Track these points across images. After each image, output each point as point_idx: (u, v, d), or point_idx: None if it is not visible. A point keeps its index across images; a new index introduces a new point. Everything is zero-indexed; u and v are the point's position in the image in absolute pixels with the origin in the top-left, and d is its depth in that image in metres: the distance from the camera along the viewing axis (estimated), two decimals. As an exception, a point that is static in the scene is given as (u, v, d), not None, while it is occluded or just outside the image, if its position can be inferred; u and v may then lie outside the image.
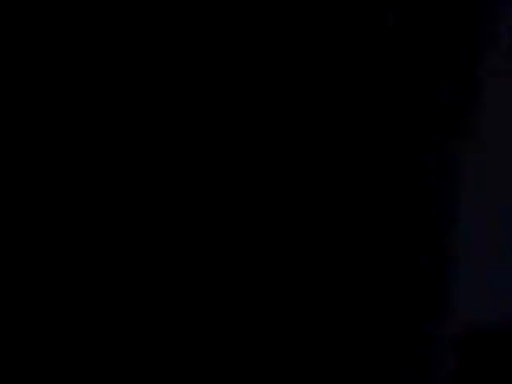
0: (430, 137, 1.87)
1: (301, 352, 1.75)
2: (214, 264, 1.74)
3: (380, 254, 1.82)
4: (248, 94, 1.69)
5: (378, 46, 1.78)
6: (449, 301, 1.83)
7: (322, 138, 1.79)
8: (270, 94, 1.72)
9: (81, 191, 1.71)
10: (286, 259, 1.76)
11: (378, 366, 1.82)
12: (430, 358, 1.92)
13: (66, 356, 1.68)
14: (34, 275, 1.72)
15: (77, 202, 1.71)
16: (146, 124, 1.70)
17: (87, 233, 1.71)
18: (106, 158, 1.71)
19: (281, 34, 1.72)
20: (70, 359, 1.68)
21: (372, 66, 1.79)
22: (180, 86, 1.68)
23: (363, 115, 1.77)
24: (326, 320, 1.77)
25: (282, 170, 1.77)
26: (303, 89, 1.77)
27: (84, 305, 1.71)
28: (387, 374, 1.87)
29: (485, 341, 2.10)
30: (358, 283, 1.80)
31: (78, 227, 1.71)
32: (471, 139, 1.90)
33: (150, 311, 1.73)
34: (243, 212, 1.68)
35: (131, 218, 1.72)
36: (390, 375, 1.88)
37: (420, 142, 1.86)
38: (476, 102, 1.85)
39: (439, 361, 1.96)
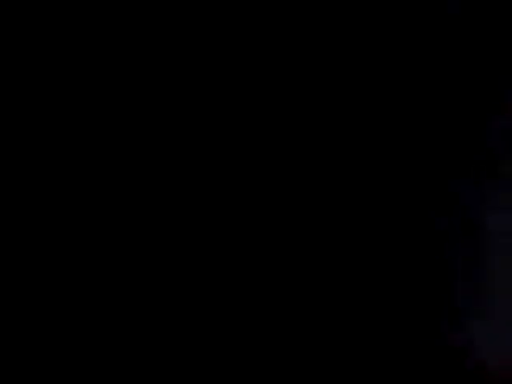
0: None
1: (304, 350, 1.73)
2: (216, 264, 1.74)
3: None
4: (254, 95, 1.66)
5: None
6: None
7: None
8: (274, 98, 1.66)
9: (81, 192, 1.72)
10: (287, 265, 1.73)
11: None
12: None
13: (66, 355, 1.71)
14: (35, 275, 1.76)
15: (77, 202, 1.73)
16: (145, 125, 1.69)
17: (88, 233, 1.73)
18: (107, 159, 1.71)
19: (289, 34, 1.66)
20: (70, 359, 1.70)
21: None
22: (181, 86, 1.65)
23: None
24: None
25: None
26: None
27: (84, 305, 1.73)
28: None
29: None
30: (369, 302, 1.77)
31: (79, 228, 1.73)
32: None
33: (150, 311, 1.74)
34: (246, 212, 1.67)
35: (131, 218, 1.72)
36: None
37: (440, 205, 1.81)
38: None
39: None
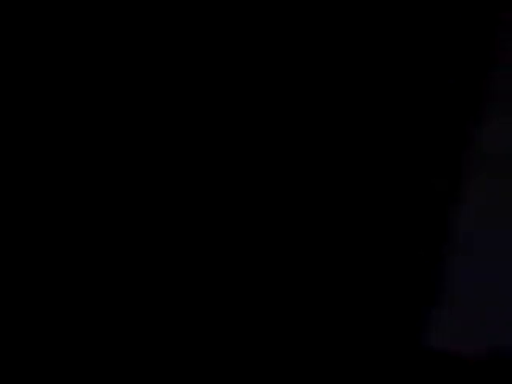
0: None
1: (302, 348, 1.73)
2: (214, 264, 1.75)
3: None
4: (251, 95, 1.69)
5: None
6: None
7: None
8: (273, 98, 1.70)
9: (81, 192, 1.73)
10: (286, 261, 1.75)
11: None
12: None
13: (66, 356, 1.67)
14: (35, 275, 1.74)
15: (77, 202, 1.73)
16: (146, 125, 1.72)
17: (88, 233, 1.73)
18: (107, 159, 1.72)
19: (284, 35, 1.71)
20: (70, 359, 1.67)
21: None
22: (181, 86, 1.69)
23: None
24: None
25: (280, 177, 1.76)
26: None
27: (84, 305, 1.71)
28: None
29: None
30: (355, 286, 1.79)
31: (79, 228, 1.72)
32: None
33: (150, 311, 1.74)
34: (244, 212, 1.69)
35: (131, 219, 1.73)
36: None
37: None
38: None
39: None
